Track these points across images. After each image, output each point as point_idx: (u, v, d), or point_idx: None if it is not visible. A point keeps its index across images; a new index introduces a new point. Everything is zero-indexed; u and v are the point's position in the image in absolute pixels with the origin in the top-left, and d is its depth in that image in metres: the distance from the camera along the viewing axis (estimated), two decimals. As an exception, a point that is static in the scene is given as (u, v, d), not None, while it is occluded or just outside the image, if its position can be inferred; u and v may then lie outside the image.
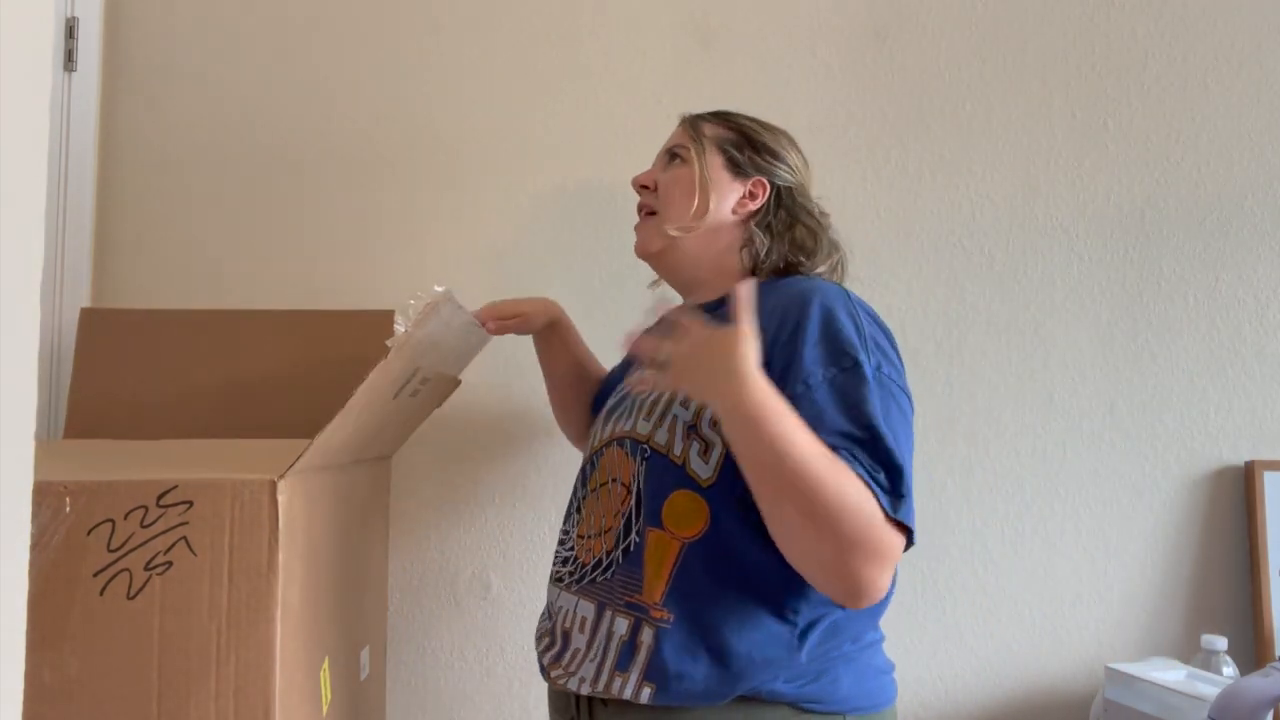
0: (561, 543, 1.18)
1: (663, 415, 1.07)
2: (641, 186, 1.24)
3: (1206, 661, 1.44)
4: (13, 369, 0.47)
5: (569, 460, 1.61)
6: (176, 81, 1.67)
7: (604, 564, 1.08)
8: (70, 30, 1.60)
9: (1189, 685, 1.34)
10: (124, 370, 1.40)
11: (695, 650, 0.98)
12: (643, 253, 1.23)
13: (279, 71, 1.68)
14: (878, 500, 0.89)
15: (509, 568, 1.62)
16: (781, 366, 0.97)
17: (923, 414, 1.65)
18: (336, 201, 1.67)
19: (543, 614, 1.17)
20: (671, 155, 1.23)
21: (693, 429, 1.04)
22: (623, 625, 1.02)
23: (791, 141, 1.24)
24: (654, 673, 0.99)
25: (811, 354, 0.97)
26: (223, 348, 1.42)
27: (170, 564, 0.86)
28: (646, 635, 1.00)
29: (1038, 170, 1.69)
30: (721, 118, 1.23)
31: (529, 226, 1.67)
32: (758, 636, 0.98)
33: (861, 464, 0.90)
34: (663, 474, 1.03)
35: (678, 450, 1.04)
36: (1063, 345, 1.66)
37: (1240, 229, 1.67)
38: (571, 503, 1.19)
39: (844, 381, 0.95)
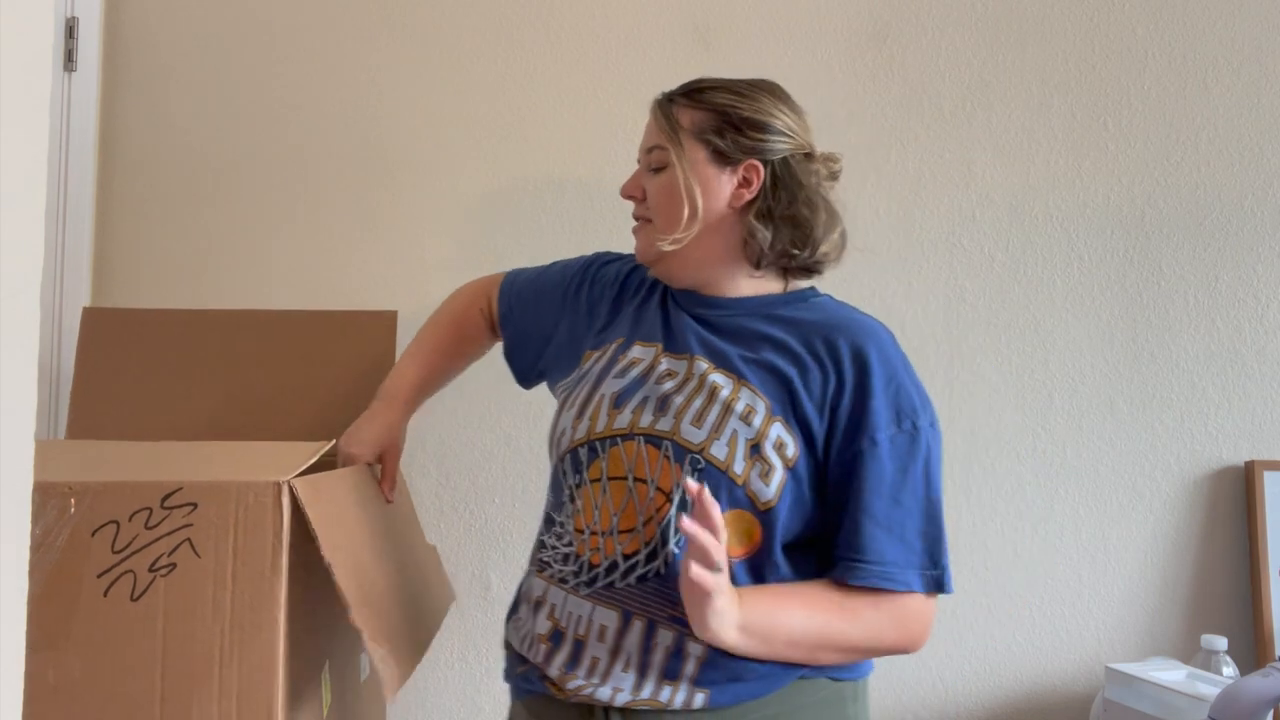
0: (557, 535, 1.10)
1: (718, 427, 1.02)
2: (629, 198, 1.17)
3: (1206, 661, 1.43)
4: (13, 369, 0.47)
5: (569, 460, 1.61)
6: (176, 81, 1.67)
7: (624, 568, 1.02)
8: (70, 30, 1.60)
9: (1189, 685, 1.34)
10: (126, 370, 1.40)
11: (750, 660, 1.00)
12: (644, 260, 1.18)
13: (279, 71, 1.68)
14: (904, 590, 1.01)
15: (509, 568, 1.62)
16: (849, 417, 1.04)
17: (923, 414, 1.66)
18: (337, 201, 1.67)
19: (534, 614, 1.09)
20: (652, 155, 1.14)
21: (756, 449, 1.02)
22: (668, 637, 1.00)
23: (775, 95, 1.14)
24: (707, 680, 1.00)
25: (878, 409, 1.03)
26: (223, 347, 1.42)
27: (174, 566, 0.86)
28: (695, 648, 0.99)
29: (1038, 170, 1.69)
30: (695, 97, 1.12)
31: (530, 226, 1.67)
32: None
33: (900, 564, 1.01)
34: (718, 491, 0.99)
35: (739, 469, 1.01)
36: (1063, 345, 1.66)
37: (1240, 229, 1.67)
38: (560, 489, 1.11)
39: (905, 445, 1.03)
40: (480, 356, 1.40)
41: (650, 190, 1.13)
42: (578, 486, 1.08)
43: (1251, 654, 1.58)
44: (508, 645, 1.15)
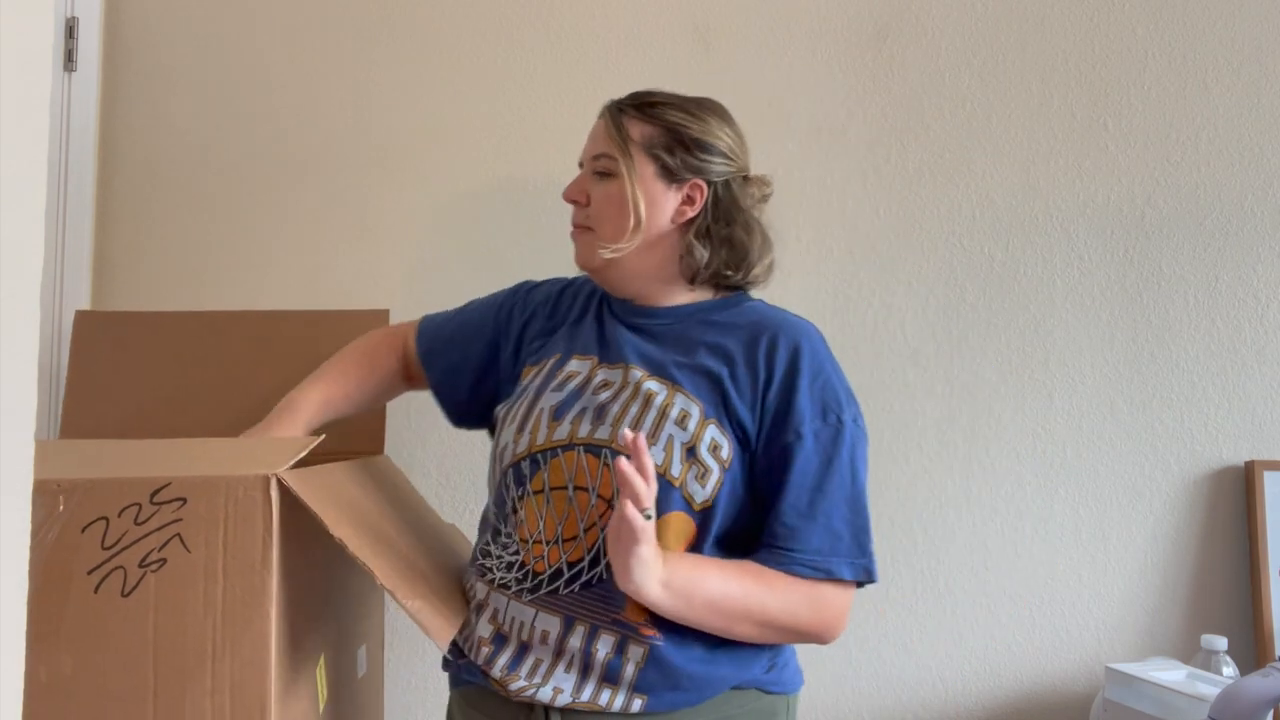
0: (502, 545, 1.11)
1: (654, 432, 1.05)
2: (573, 202, 1.18)
3: (1206, 661, 1.43)
4: (13, 369, 0.47)
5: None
6: (176, 81, 1.67)
7: (567, 576, 1.05)
8: (70, 30, 1.60)
9: (1189, 685, 1.34)
10: (119, 372, 1.40)
11: (686, 664, 1.03)
12: (583, 267, 1.20)
13: (278, 72, 1.68)
14: (835, 577, 1.04)
15: (509, 567, 1.62)
16: (776, 413, 1.07)
17: (923, 414, 1.66)
18: (335, 202, 1.67)
19: (476, 616, 1.10)
20: (599, 161, 1.16)
21: (691, 452, 1.05)
22: (608, 641, 1.03)
23: (720, 116, 1.18)
24: (646, 685, 1.03)
25: (803, 404, 1.07)
26: (217, 349, 1.42)
27: (164, 561, 0.86)
28: (635, 652, 1.03)
29: (1038, 170, 1.69)
30: (646, 110, 1.15)
31: (528, 226, 1.67)
32: (737, 644, 1.06)
33: (825, 552, 1.04)
34: (657, 495, 1.00)
35: (676, 472, 1.04)
36: (1063, 345, 1.66)
37: (1240, 229, 1.67)
38: (503, 502, 1.12)
39: (830, 439, 1.07)
40: (386, 398, 1.37)
41: (595, 197, 1.16)
42: (520, 498, 1.10)
43: (1251, 654, 1.58)
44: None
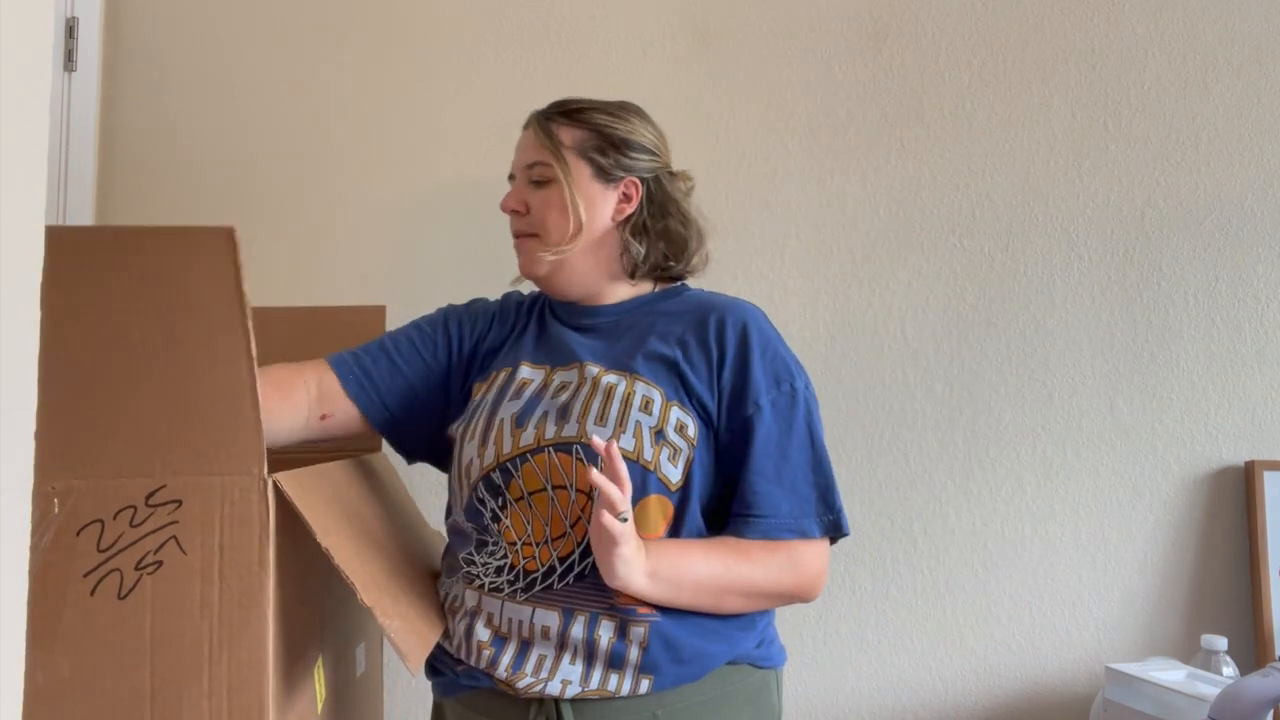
0: (489, 553, 1.10)
1: (621, 421, 1.08)
2: (513, 212, 1.20)
3: (1206, 661, 1.43)
4: (13, 369, 0.47)
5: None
6: (176, 81, 1.67)
7: (560, 571, 1.06)
8: (70, 30, 1.60)
9: (1189, 685, 1.34)
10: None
11: (686, 639, 1.06)
12: (528, 276, 1.22)
13: (278, 71, 1.68)
14: (808, 536, 1.09)
15: (509, 568, 1.62)
16: (733, 388, 1.11)
17: (923, 414, 1.66)
18: (335, 201, 1.67)
19: (471, 622, 1.10)
20: (534, 170, 1.18)
21: (660, 435, 1.08)
22: (609, 627, 1.05)
23: (640, 116, 1.23)
24: (651, 665, 1.05)
25: (758, 377, 1.11)
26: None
27: (161, 563, 0.86)
28: (637, 633, 1.05)
29: (1038, 170, 1.69)
30: (572, 116, 1.20)
31: (529, 226, 1.67)
32: (729, 617, 1.10)
33: (795, 514, 1.09)
34: (633, 481, 1.02)
35: (649, 456, 1.07)
36: (1063, 345, 1.66)
37: (1240, 229, 1.67)
38: (479, 515, 1.11)
39: (786, 405, 1.11)
40: (286, 438, 1.17)
41: (535, 204, 1.18)
42: (502, 507, 1.10)
43: (1251, 654, 1.58)
44: (437, 647, 1.13)
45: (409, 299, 1.58)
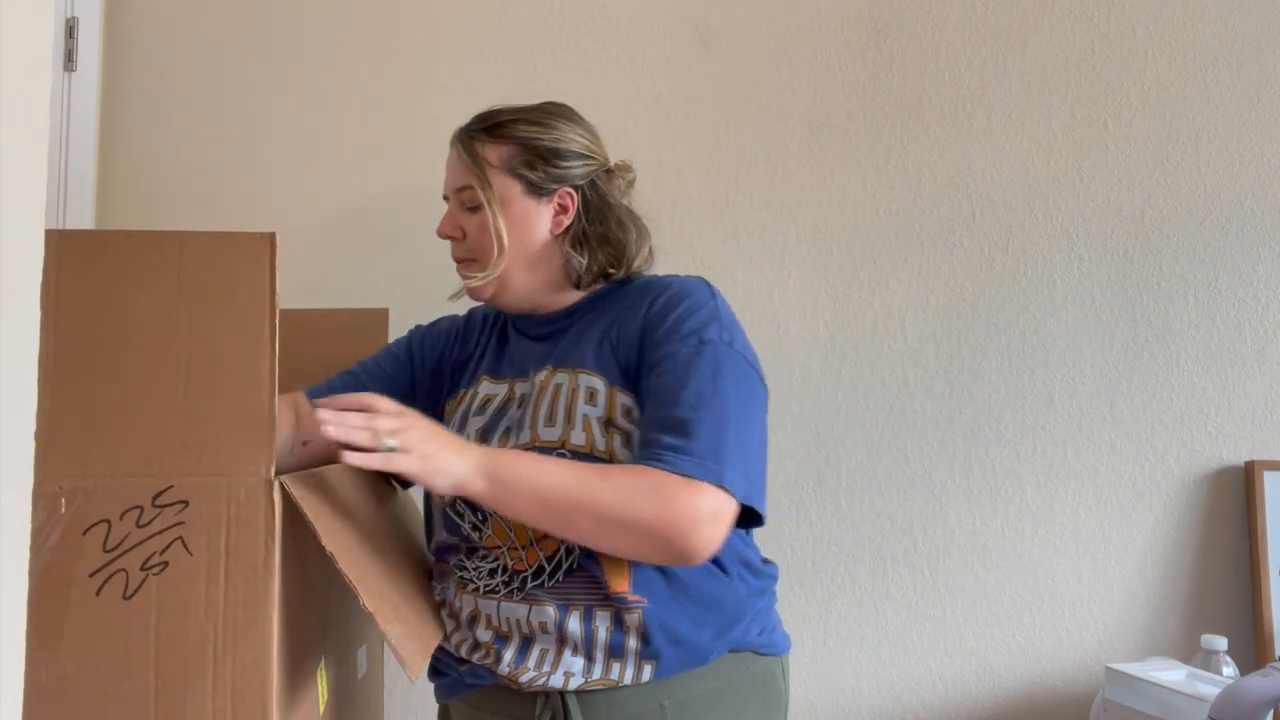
0: (480, 558, 1.12)
1: (569, 417, 1.08)
2: (449, 238, 1.19)
3: (1206, 661, 1.44)
4: (13, 369, 0.47)
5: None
6: (176, 81, 1.67)
7: (549, 569, 1.07)
8: (70, 30, 1.60)
9: (1189, 685, 1.34)
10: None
11: (680, 622, 1.06)
12: (475, 298, 1.22)
13: (278, 71, 1.68)
14: (684, 474, 0.98)
15: (509, 568, 1.62)
16: (643, 348, 1.09)
17: (923, 414, 1.66)
18: (335, 201, 1.67)
19: (470, 627, 1.11)
20: (464, 194, 1.17)
21: (609, 423, 1.08)
22: (605, 618, 1.05)
23: (568, 118, 1.20)
24: (651, 651, 1.05)
25: (667, 334, 1.08)
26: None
27: (166, 564, 0.86)
28: (632, 621, 1.05)
29: (1038, 170, 1.69)
30: (496, 132, 1.16)
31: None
32: (717, 591, 1.09)
33: (675, 450, 1.00)
34: None
35: (601, 445, 1.07)
36: (1063, 345, 1.66)
37: (1240, 229, 1.67)
38: (457, 527, 1.13)
39: (688, 357, 1.06)
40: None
41: (470, 229, 1.18)
42: (482, 520, 1.11)
43: (1251, 654, 1.58)
44: (438, 648, 1.15)
45: (412, 301, 1.58)
